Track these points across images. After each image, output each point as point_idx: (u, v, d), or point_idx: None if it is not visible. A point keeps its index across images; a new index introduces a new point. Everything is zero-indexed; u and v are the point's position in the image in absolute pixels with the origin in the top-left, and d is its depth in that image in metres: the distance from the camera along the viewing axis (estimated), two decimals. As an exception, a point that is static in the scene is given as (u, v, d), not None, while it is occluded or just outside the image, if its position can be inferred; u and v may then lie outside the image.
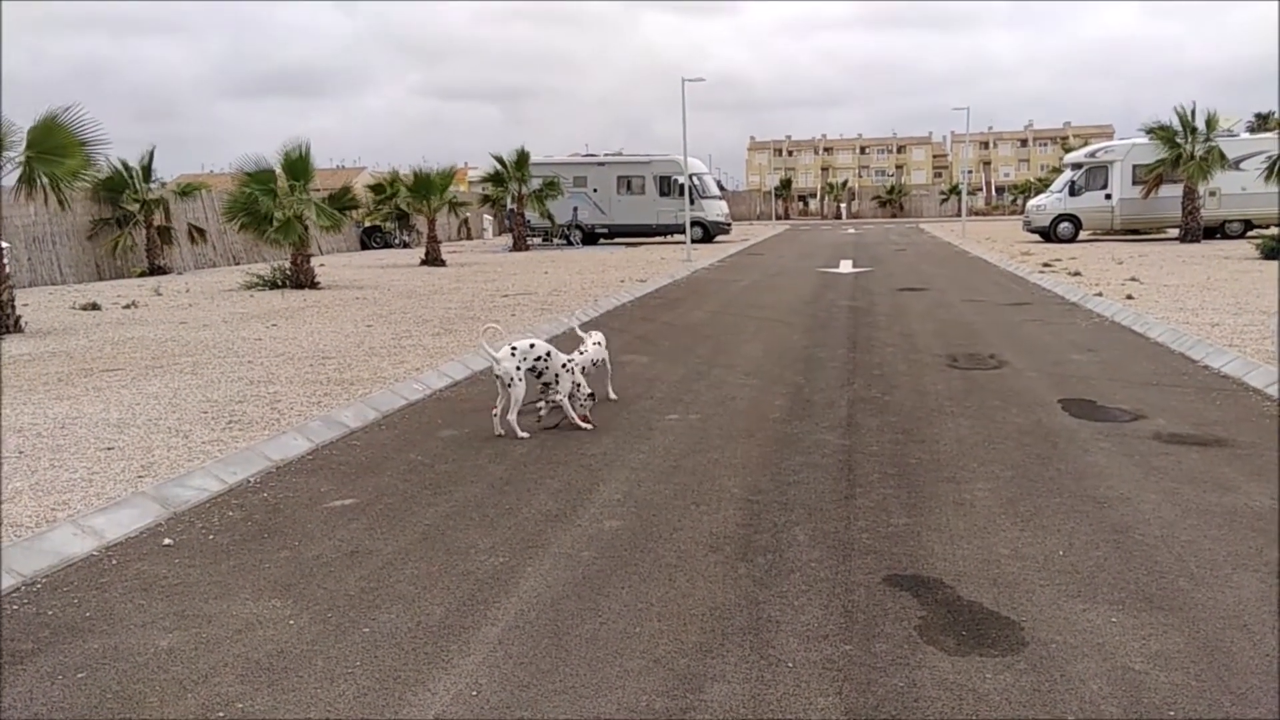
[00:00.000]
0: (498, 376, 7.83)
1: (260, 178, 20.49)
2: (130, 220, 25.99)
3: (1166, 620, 4.28)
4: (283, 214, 20.42)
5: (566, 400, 8.04)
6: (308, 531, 5.74)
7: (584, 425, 8.03)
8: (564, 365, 8.05)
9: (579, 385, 8.10)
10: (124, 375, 10.46)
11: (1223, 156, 29.20)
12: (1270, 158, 27.12)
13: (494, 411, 7.98)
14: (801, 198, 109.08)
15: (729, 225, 43.79)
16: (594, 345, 8.95)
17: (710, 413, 8.62)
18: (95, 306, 17.51)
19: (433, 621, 4.46)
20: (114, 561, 5.32)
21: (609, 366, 9.19)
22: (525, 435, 7.81)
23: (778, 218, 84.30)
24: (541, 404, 8.13)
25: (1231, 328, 12.06)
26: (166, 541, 5.60)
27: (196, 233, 28.00)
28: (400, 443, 7.82)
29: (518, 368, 7.81)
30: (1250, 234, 30.38)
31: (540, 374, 8.00)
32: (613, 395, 9.09)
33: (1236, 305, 14.26)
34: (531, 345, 7.98)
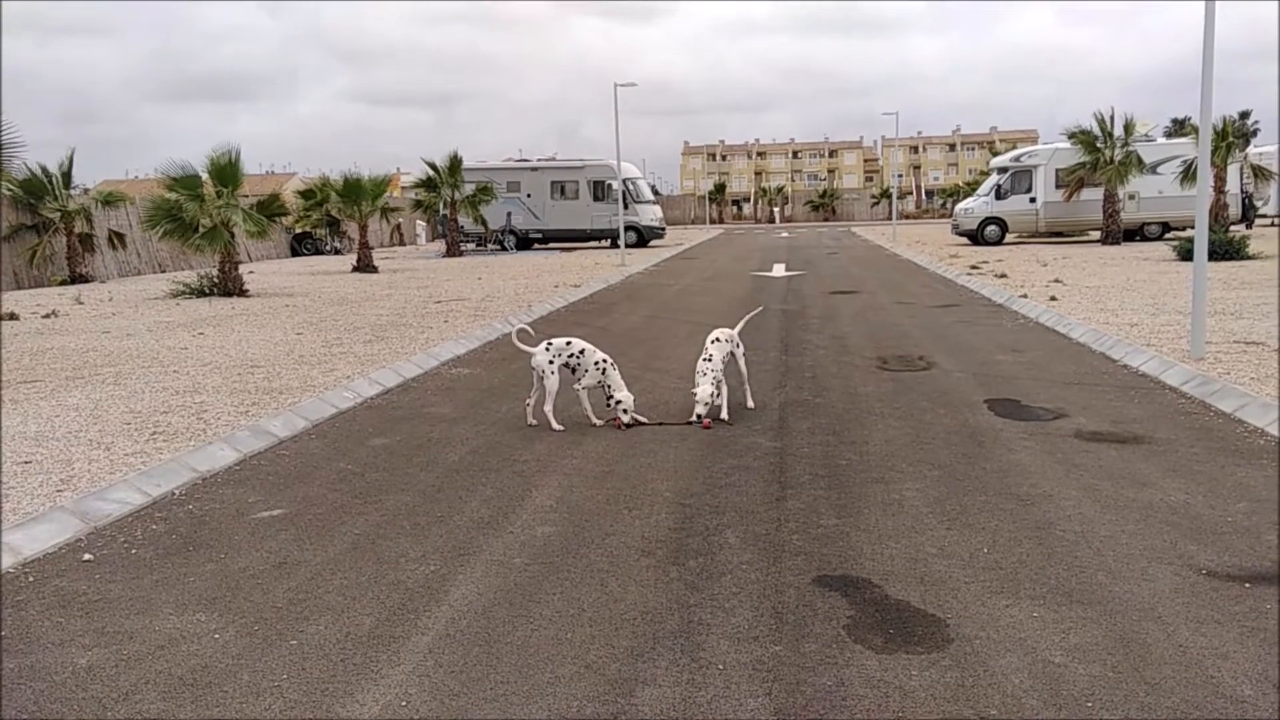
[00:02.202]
0: (533, 369, 8.29)
1: (186, 183, 20.07)
2: (50, 227, 25.29)
3: (1085, 614, 4.40)
4: (209, 220, 20.04)
5: (584, 391, 8.36)
6: (234, 543, 5.65)
7: (595, 422, 8.34)
8: (595, 363, 8.31)
9: (607, 387, 8.27)
10: (43, 387, 10.18)
11: (1140, 161, 30.03)
12: (1186, 162, 27.97)
13: (526, 402, 8.50)
14: (735, 202, 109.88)
15: (663, 230, 43.91)
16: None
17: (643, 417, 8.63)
18: (13, 316, 17.01)
19: (362, 632, 4.41)
20: (31, 578, 5.18)
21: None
22: (560, 428, 8.15)
23: (712, 222, 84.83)
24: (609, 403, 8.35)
25: (1150, 328, 12.41)
26: (86, 557, 5.47)
27: (118, 239, 27.30)
28: (330, 452, 7.72)
29: (550, 361, 8.25)
30: (1168, 236, 31.30)
31: (574, 370, 8.35)
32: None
33: (1154, 306, 14.68)
34: (568, 343, 8.41)
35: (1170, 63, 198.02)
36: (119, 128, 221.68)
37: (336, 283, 24.18)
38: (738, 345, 8.93)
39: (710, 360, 8.45)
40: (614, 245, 39.80)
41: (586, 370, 8.31)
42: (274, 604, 4.76)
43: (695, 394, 8.25)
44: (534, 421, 8.34)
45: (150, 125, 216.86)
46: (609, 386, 8.28)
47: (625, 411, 8.21)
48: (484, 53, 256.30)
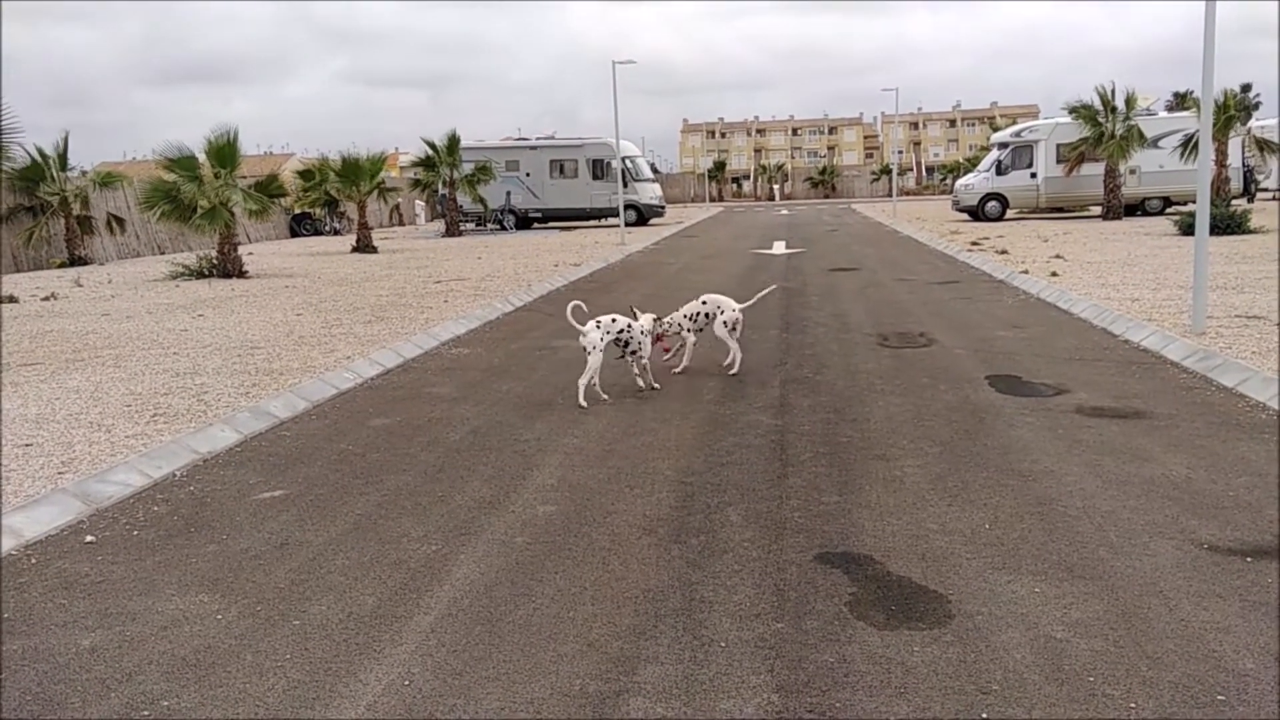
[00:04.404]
0: (583, 346, 8.44)
1: (184, 164, 19.99)
2: (47, 209, 25.21)
3: (1087, 589, 4.40)
4: (208, 201, 19.98)
5: (648, 362, 8.83)
6: (236, 524, 5.65)
7: (655, 386, 8.92)
8: (642, 331, 8.74)
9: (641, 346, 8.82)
10: (43, 369, 10.18)
11: (1141, 135, 29.89)
12: (1187, 136, 27.84)
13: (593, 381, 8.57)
14: (735, 180, 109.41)
15: (663, 208, 43.78)
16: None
17: (644, 396, 8.63)
18: (12, 299, 16.99)
19: (364, 612, 4.42)
20: (33, 560, 5.19)
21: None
22: (585, 405, 8.27)
23: (711, 200, 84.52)
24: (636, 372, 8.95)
25: (1150, 302, 12.38)
26: (89, 538, 5.47)
27: (116, 223, 27.22)
28: (331, 432, 7.72)
29: (601, 338, 8.43)
30: (1169, 210, 31.18)
31: (626, 344, 8.69)
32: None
33: (1156, 280, 14.63)
34: (614, 320, 8.65)
35: (1165, 39, 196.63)
36: (113, 111, 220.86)
37: (336, 263, 24.13)
38: (722, 312, 9.54)
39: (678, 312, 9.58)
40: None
41: (640, 342, 8.69)
42: (276, 584, 4.76)
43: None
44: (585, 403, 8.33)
45: (145, 109, 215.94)
46: (640, 351, 8.77)
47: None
48: (478, 34, 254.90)
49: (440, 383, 9.54)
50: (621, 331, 8.57)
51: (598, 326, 8.43)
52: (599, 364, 8.33)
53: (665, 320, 9.43)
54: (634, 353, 8.78)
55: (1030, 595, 4.36)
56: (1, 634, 4.29)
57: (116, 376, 9.66)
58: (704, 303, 9.69)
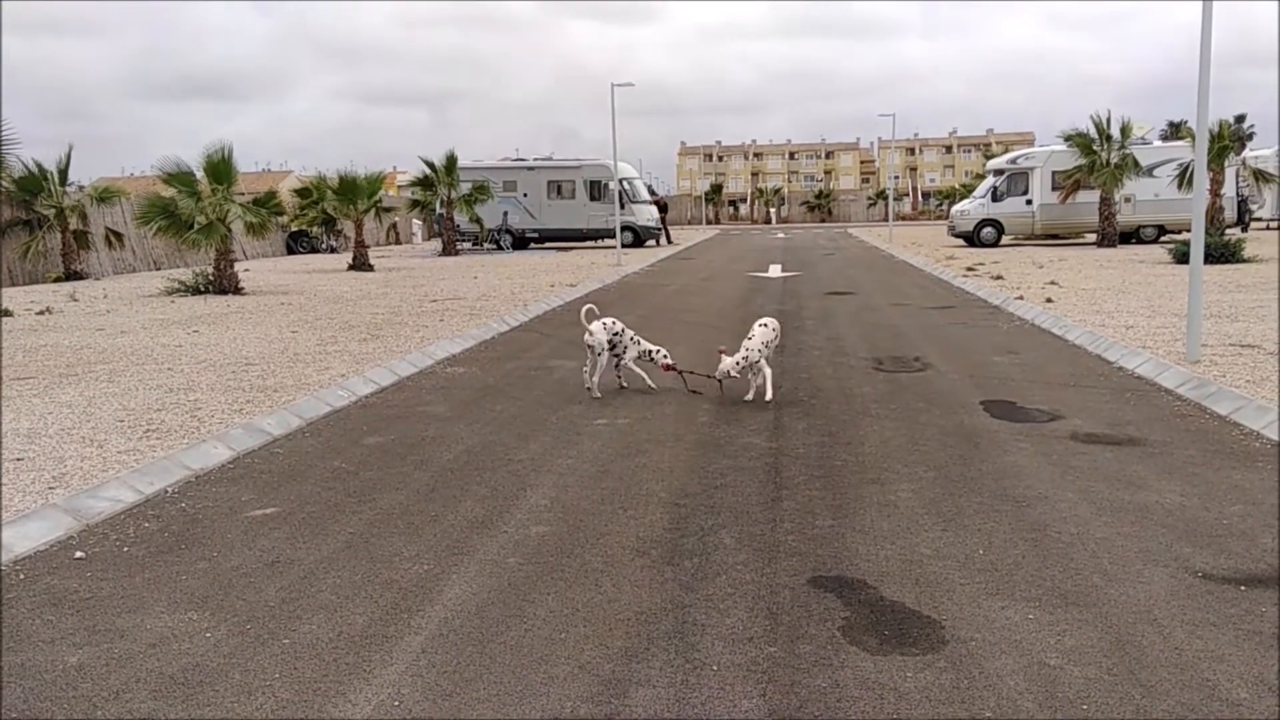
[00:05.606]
0: (590, 346, 9.43)
1: (181, 179, 20.03)
2: (43, 224, 25.19)
3: (1081, 616, 4.38)
4: (205, 217, 19.99)
5: (633, 364, 9.71)
6: (227, 542, 5.62)
7: (651, 386, 9.74)
8: (632, 338, 9.72)
9: (649, 352, 9.69)
10: (36, 384, 10.14)
11: (1136, 163, 30.05)
12: (1182, 165, 28.00)
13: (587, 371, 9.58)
14: (732, 202, 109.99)
15: (659, 230, 43.89)
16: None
17: (639, 417, 8.62)
18: (7, 313, 16.96)
19: (355, 631, 4.39)
20: (22, 576, 5.15)
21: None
22: (599, 395, 9.40)
23: (708, 222, 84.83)
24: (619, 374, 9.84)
25: (1145, 330, 12.41)
26: (78, 554, 5.44)
27: (114, 238, 27.21)
28: (324, 450, 7.69)
29: (607, 339, 9.46)
30: (1163, 239, 31.34)
31: (614, 346, 9.59)
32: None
33: (1150, 308, 14.68)
34: (613, 322, 9.66)
35: (1160, 67, 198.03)
36: (112, 126, 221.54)
37: (332, 281, 24.14)
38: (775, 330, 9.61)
39: (751, 339, 9.21)
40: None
41: (626, 346, 9.60)
42: (266, 603, 4.73)
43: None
44: (589, 386, 9.47)
45: (144, 123, 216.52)
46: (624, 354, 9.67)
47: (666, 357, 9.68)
48: (477, 53, 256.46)
49: (435, 401, 9.52)
50: (615, 335, 9.53)
51: (604, 328, 9.44)
52: (605, 362, 9.43)
53: (739, 358, 9.02)
54: (618, 356, 9.66)
55: (1024, 622, 4.34)
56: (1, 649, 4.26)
57: (110, 391, 9.64)
58: (767, 324, 9.37)
